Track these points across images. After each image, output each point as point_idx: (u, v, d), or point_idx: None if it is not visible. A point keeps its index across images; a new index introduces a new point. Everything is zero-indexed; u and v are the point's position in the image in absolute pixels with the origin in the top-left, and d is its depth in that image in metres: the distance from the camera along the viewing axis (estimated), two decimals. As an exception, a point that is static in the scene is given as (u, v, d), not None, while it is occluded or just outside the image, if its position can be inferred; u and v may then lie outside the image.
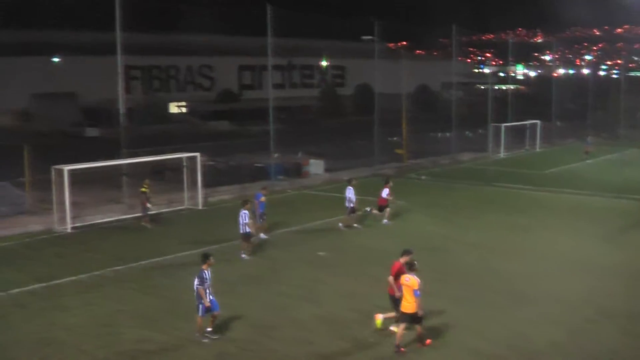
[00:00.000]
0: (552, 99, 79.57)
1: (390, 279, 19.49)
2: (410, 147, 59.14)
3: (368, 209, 35.41)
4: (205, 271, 19.34)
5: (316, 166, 51.28)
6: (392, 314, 19.73)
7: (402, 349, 18.66)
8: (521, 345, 19.12)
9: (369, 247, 30.27)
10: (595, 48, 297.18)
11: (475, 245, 30.51)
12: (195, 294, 19.33)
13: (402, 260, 19.55)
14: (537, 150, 69.25)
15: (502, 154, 64.00)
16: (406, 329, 18.81)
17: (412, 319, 18.79)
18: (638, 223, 35.74)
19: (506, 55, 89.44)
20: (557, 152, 68.34)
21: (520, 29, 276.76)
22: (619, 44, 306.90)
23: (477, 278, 25.15)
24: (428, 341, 19.04)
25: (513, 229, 33.91)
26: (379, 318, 19.90)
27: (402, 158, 57.44)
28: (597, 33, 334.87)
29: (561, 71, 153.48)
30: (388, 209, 34.79)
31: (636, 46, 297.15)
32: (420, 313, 18.71)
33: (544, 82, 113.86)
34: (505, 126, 65.16)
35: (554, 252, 29.50)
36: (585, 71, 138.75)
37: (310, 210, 38.36)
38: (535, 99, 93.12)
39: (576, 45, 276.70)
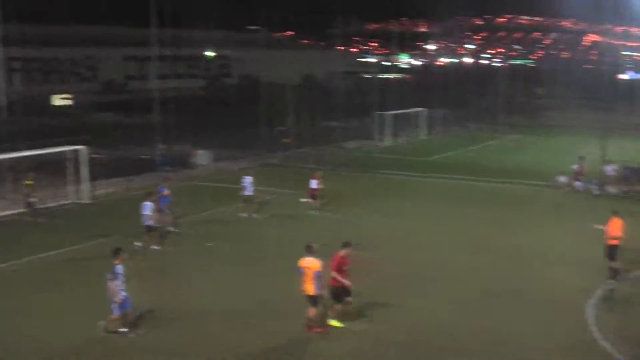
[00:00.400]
0: (436, 87, 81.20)
1: (334, 273, 19.66)
2: (297, 136, 59.58)
3: (303, 200, 36.09)
4: (118, 266, 19.18)
5: (203, 157, 51.15)
6: (339, 306, 20.02)
7: (318, 329, 19.45)
8: (419, 328, 19.92)
9: (269, 236, 30.81)
10: (477, 37, 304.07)
11: (364, 231, 31.22)
12: (108, 290, 19.20)
13: (343, 253, 19.85)
14: (422, 137, 70.70)
15: (388, 142, 65.08)
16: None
17: (312, 301, 19.37)
18: (526, 206, 37.76)
19: (391, 44, 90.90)
20: (441, 140, 69.99)
21: (404, 18, 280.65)
22: (501, 33, 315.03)
23: (372, 264, 25.43)
24: (318, 329, 19.54)
25: (397, 215, 34.94)
26: (333, 321, 19.98)
27: (289, 147, 57.81)
28: (479, 22, 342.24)
29: (444, 60, 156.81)
30: (315, 200, 35.74)
31: (517, 35, 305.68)
32: (320, 293, 19.37)
33: (428, 70, 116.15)
34: (390, 114, 66.24)
35: (433, 234, 30.78)
36: (468, 60, 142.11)
37: (201, 201, 38.35)
38: (419, 87, 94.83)
39: (459, 35, 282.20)
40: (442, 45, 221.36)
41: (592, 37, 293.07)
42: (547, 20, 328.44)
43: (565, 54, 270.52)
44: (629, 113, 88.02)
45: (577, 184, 43.13)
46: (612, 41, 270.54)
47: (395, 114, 67.49)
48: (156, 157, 47.31)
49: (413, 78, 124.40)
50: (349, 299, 19.97)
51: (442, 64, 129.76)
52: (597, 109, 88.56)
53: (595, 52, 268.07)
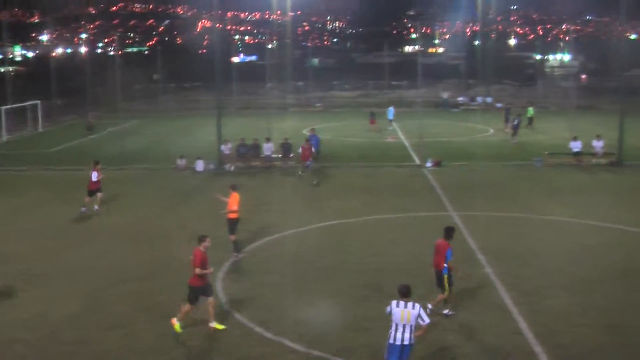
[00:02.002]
0: (51, 78, 79.86)
1: (198, 270, 18.78)
2: None
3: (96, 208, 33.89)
4: None
5: None
6: (188, 308, 19.18)
7: None
8: (35, 325, 19.81)
9: None
10: (92, 26, 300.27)
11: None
12: None
13: (202, 247, 19.02)
14: (40, 130, 69.35)
15: (5, 138, 62.99)
16: None
17: None
18: (146, 191, 39.26)
19: (1, 36, 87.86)
20: (60, 131, 69.33)
21: (17, 9, 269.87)
22: (115, 21, 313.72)
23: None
24: None
25: (15, 210, 34.60)
26: (176, 323, 19.09)
27: None
28: (94, 11, 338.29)
29: (59, 50, 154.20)
30: (100, 194, 33.95)
31: (131, 23, 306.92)
32: None
33: (42, 61, 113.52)
34: (4, 109, 64.22)
35: (50, 227, 31.16)
36: (83, 49, 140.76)
37: None
38: (35, 79, 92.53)
39: (73, 24, 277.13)
40: (56, 35, 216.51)
41: (204, 23, 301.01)
42: (160, 7, 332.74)
43: (179, 40, 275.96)
44: (241, 93, 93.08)
45: (197, 163, 45.29)
46: (224, 27, 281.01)
47: (10, 108, 65.65)
48: None
49: (27, 70, 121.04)
50: (211, 298, 19.39)
51: (56, 54, 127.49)
52: (214, 90, 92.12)
53: (208, 37, 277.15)
